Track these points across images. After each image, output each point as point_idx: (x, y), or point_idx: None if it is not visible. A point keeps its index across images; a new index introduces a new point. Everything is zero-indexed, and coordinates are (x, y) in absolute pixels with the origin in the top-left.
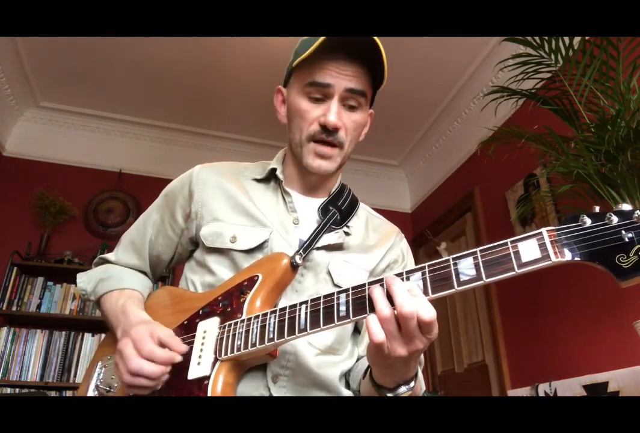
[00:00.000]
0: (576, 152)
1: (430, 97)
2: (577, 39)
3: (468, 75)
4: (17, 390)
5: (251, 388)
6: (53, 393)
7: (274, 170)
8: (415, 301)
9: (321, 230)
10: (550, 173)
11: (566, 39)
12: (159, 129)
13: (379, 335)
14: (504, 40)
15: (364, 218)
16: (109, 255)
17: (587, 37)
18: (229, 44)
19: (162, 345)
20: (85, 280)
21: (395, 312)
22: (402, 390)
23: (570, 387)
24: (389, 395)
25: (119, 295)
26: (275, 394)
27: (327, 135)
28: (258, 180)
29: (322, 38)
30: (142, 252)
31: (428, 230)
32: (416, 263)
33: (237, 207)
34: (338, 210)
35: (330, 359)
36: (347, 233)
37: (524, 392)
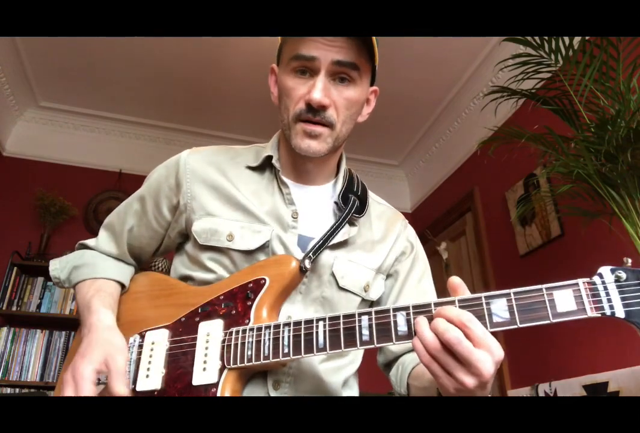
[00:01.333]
0: (576, 152)
1: (430, 97)
2: (577, 39)
3: (468, 75)
4: (17, 390)
5: (251, 395)
6: (53, 393)
7: (269, 158)
8: (460, 318)
9: (343, 221)
10: (550, 173)
11: (566, 39)
12: (159, 129)
13: (424, 358)
14: (504, 40)
15: (370, 205)
16: (90, 241)
17: (587, 37)
18: (229, 44)
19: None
20: (59, 267)
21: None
22: None
23: (571, 387)
24: None
25: (89, 288)
26: None
27: (313, 114)
28: (252, 169)
29: None
30: (121, 242)
31: (428, 230)
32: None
33: (230, 200)
34: (356, 196)
35: (335, 364)
36: (352, 224)
37: (524, 392)
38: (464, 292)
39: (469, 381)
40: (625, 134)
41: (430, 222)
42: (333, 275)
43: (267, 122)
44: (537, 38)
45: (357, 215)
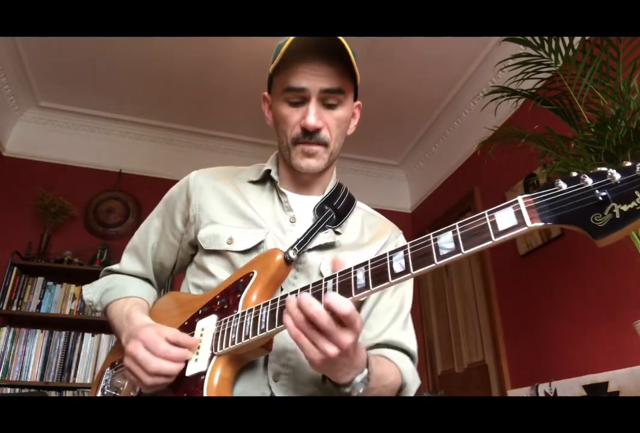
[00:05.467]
0: (576, 152)
1: (430, 97)
2: (577, 39)
3: (468, 75)
4: (17, 390)
5: (252, 387)
6: (53, 393)
7: (268, 171)
8: (329, 299)
9: (316, 229)
10: (550, 173)
11: (566, 39)
12: (159, 129)
13: (292, 331)
14: (504, 40)
15: (360, 217)
16: (114, 266)
17: (587, 37)
18: (229, 44)
19: (173, 343)
20: (91, 291)
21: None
22: (358, 379)
23: (570, 387)
24: (347, 390)
25: (125, 303)
26: (276, 392)
27: (309, 137)
28: (254, 182)
29: (289, 40)
30: (146, 259)
31: (428, 230)
32: None
33: (234, 209)
34: (334, 210)
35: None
36: (337, 232)
37: (524, 392)
38: (342, 267)
39: (331, 350)
40: (625, 134)
41: (430, 222)
42: (321, 274)
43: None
44: (537, 38)
45: (329, 226)
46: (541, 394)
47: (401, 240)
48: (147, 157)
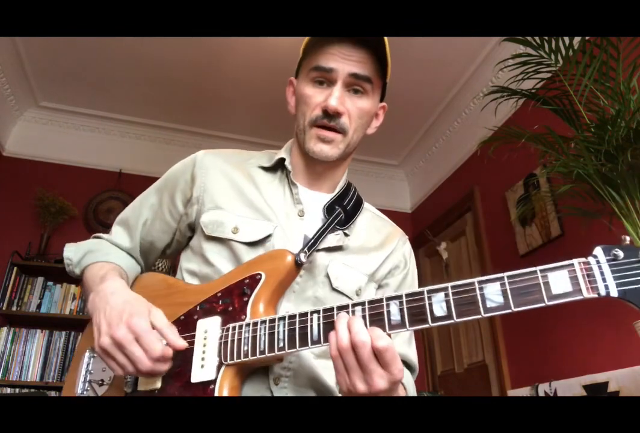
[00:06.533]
0: (576, 152)
1: (430, 97)
2: (577, 39)
3: (468, 75)
4: (17, 390)
5: (253, 390)
6: (53, 393)
7: (282, 160)
8: (371, 331)
9: (326, 230)
10: (550, 173)
11: (566, 39)
12: (159, 129)
13: (333, 352)
14: (504, 40)
15: (367, 219)
16: (104, 235)
17: (587, 37)
18: (229, 44)
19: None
20: (73, 250)
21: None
22: None
23: (570, 387)
24: None
25: (102, 266)
26: (276, 395)
27: (328, 120)
28: (265, 169)
29: None
30: (134, 235)
31: (428, 230)
32: (417, 264)
33: (242, 196)
34: (343, 210)
35: (328, 363)
36: (346, 234)
37: (524, 392)
38: None
39: (360, 386)
40: (625, 133)
41: (430, 222)
42: (327, 276)
43: (267, 122)
44: (537, 38)
45: (338, 227)
46: (541, 394)
47: (407, 248)
48: (147, 157)
